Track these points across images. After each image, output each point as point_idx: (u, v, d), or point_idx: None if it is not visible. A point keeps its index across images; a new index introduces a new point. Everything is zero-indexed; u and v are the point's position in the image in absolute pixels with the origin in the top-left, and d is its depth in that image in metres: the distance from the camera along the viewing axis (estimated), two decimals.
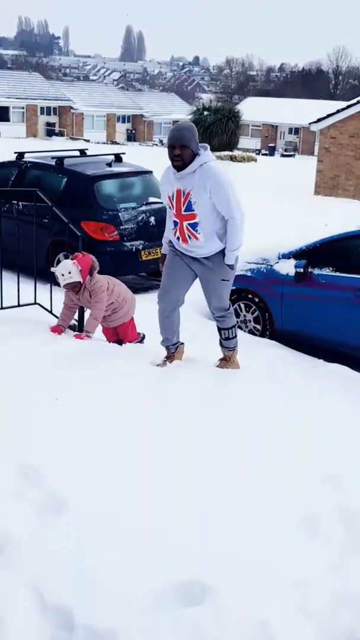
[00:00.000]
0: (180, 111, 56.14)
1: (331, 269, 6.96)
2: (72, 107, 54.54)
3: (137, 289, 9.54)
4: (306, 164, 31.50)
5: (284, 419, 4.55)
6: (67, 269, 5.84)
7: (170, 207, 5.20)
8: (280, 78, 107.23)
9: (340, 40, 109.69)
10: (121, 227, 9.05)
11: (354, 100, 23.16)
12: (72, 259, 5.92)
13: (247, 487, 3.54)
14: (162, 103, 63.43)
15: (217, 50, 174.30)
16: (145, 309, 7.92)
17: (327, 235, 7.34)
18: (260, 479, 3.63)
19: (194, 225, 5.08)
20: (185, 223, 5.10)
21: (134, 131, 58.46)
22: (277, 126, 56.74)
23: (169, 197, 5.15)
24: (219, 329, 5.63)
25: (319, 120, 23.62)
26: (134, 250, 9.09)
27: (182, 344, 5.71)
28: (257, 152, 47.48)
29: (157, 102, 63.65)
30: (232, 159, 34.76)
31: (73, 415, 4.17)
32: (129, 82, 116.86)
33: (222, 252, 5.21)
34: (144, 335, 6.54)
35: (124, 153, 10.58)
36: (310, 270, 7.01)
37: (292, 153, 50.85)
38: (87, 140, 45.39)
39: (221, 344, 5.68)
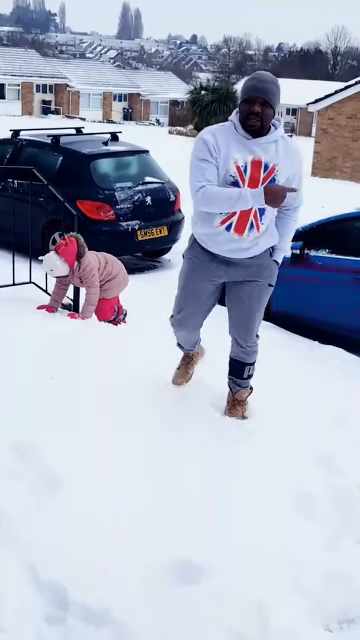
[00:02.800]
0: (178, 90, 55.78)
1: (328, 250, 6.94)
2: (68, 85, 54.11)
3: (132, 269, 9.52)
4: (303, 145, 31.20)
5: (280, 401, 4.56)
6: (52, 265, 5.80)
7: (229, 183, 3.70)
8: (278, 58, 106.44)
9: (339, 20, 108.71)
10: (117, 207, 8.99)
11: (353, 81, 23.03)
12: (55, 251, 5.85)
13: (243, 467, 3.55)
14: (159, 82, 62.95)
15: (215, 29, 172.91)
16: (139, 288, 7.92)
17: (323, 217, 7.31)
18: (256, 460, 3.63)
19: (262, 212, 3.78)
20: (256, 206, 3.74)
21: (130, 110, 58.04)
22: None
23: (238, 168, 3.67)
24: (240, 365, 4.18)
25: (316, 101, 23.50)
26: (129, 230, 9.05)
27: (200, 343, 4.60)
28: None
29: (154, 80, 63.15)
30: None
31: (68, 394, 4.16)
32: (126, 60, 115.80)
33: (268, 251, 4.00)
34: (125, 312, 6.50)
35: (120, 132, 10.51)
36: (306, 251, 6.99)
37: (290, 134, 50.48)
38: (83, 119, 45.04)
39: (235, 384, 4.24)
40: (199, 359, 4.65)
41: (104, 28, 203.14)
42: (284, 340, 6.92)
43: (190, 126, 37.81)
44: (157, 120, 54.66)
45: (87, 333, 5.42)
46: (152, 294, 7.70)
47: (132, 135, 15.94)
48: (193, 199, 3.75)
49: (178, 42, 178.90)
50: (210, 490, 3.37)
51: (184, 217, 9.60)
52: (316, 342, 6.81)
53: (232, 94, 37.04)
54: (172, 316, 4.26)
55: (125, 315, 6.51)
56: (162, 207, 9.44)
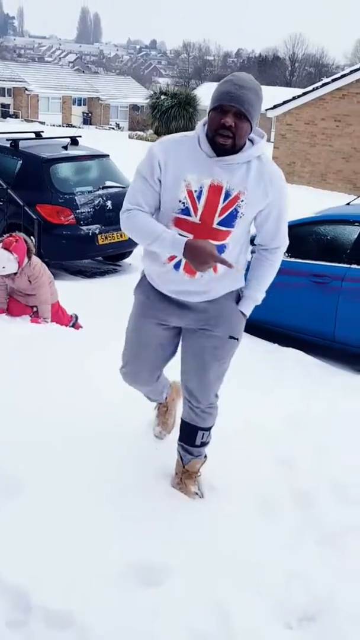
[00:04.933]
0: (137, 95, 55.88)
1: (287, 254, 7.00)
2: (26, 89, 53.81)
3: (93, 273, 9.53)
4: None
5: (240, 403, 4.59)
6: (5, 261, 5.73)
7: (177, 210, 2.94)
8: (237, 63, 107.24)
9: (296, 27, 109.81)
10: (77, 211, 8.99)
11: (310, 88, 23.34)
12: (4, 246, 5.78)
13: (204, 470, 3.57)
14: (119, 86, 62.94)
15: (174, 34, 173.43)
16: (101, 292, 7.92)
17: None
18: (217, 463, 3.66)
19: (220, 248, 2.97)
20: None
21: (90, 114, 57.93)
22: None
23: (190, 193, 2.90)
24: (192, 429, 3.41)
25: (275, 106, 23.74)
26: (90, 234, 9.05)
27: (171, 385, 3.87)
28: None
29: (114, 85, 63.14)
30: None
31: (28, 397, 4.14)
32: (85, 64, 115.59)
33: (233, 295, 3.21)
34: (76, 317, 6.48)
35: (80, 136, 10.50)
36: None
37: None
38: (43, 123, 44.84)
39: (186, 452, 3.47)
40: (178, 398, 3.88)
41: (63, 32, 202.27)
42: (243, 342, 6.93)
43: (150, 131, 37.91)
44: (117, 125, 54.66)
45: (48, 338, 5.40)
46: (113, 298, 7.71)
47: (92, 139, 15.88)
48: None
49: (137, 46, 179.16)
50: (171, 492, 3.40)
51: None
52: (276, 344, 6.88)
53: (191, 98, 37.28)
54: (120, 367, 3.46)
55: (76, 319, 6.47)
56: None
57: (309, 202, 16.11)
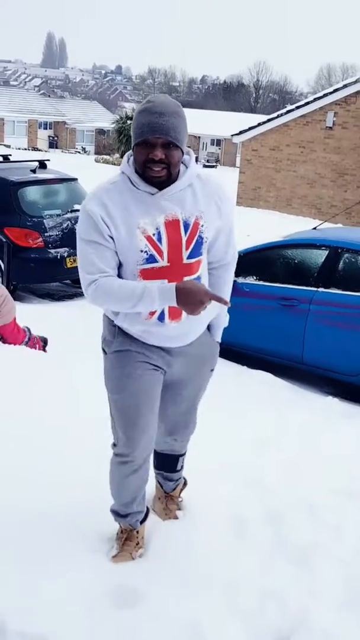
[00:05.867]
0: (104, 119, 56.16)
1: (255, 277, 7.11)
2: None
3: (61, 297, 9.52)
4: (228, 175, 31.95)
5: (210, 425, 4.62)
6: None
7: (142, 261, 2.68)
8: (202, 90, 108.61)
9: (261, 55, 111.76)
10: (46, 234, 9.01)
11: (274, 114, 23.71)
12: None
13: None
14: (85, 111, 63.28)
15: (140, 60, 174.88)
16: (69, 315, 7.91)
17: (250, 245, 7.49)
18: (189, 484, 3.67)
19: (196, 280, 2.77)
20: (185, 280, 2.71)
21: (56, 138, 58.06)
22: (199, 137, 57.34)
23: (149, 238, 2.65)
24: (172, 458, 3.34)
25: (240, 132, 24.06)
26: (58, 257, 9.06)
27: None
28: None
29: (80, 109, 63.46)
30: None
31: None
32: (51, 88, 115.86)
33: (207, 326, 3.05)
34: (45, 340, 6.41)
35: (48, 160, 10.54)
36: (234, 279, 7.12)
37: (214, 164, 51.49)
38: (8, 146, 44.82)
39: (166, 479, 3.41)
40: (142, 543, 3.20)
41: (28, 56, 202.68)
42: None
43: (117, 155, 38.12)
44: (83, 149, 54.85)
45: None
46: (81, 321, 7.71)
47: (59, 163, 15.93)
48: (85, 296, 2.74)
49: (103, 71, 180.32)
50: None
51: None
52: (244, 366, 6.93)
53: None
54: (113, 445, 3.00)
55: (45, 343, 6.42)
56: None
57: (275, 226, 16.33)
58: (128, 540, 3.09)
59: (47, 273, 9.07)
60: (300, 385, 6.67)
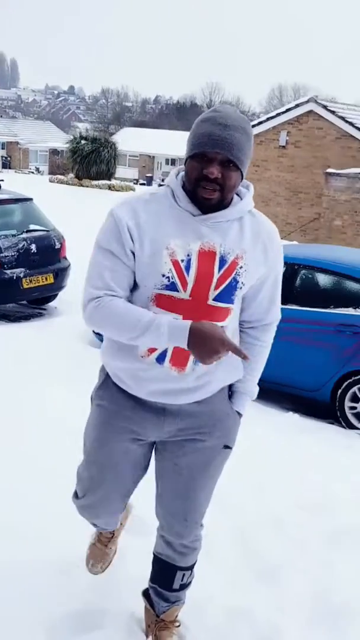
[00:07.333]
0: (57, 139, 56.19)
1: None
2: None
3: (18, 318, 9.42)
4: None
5: None
6: None
7: (160, 286, 2.23)
8: (156, 110, 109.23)
9: (213, 76, 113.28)
10: (1, 255, 8.91)
11: None
12: None
13: (139, 508, 3.55)
14: (38, 131, 63.10)
15: (93, 81, 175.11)
16: (26, 336, 7.84)
17: None
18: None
19: None
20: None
21: (9, 158, 57.74)
22: (154, 156, 57.63)
23: (176, 263, 2.21)
24: (169, 569, 2.66)
25: None
26: (14, 277, 8.97)
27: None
28: (135, 181, 48.04)
29: (33, 129, 63.24)
30: (111, 188, 35.15)
31: None
32: (3, 109, 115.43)
33: (225, 390, 2.50)
34: None
35: (2, 180, 10.47)
36: None
37: None
38: None
39: (160, 597, 2.70)
40: (125, 520, 3.09)
41: None
42: None
43: (71, 174, 38.07)
44: (37, 169, 54.67)
45: None
46: (38, 342, 7.64)
47: (13, 183, 15.86)
48: (82, 312, 2.27)
49: (56, 92, 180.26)
50: None
51: (69, 265, 9.65)
52: None
53: (111, 143, 37.92)
54: (74, 495, 2.68)
55: None
56: (47, 254, 9.44)
57: None
58: (103, 538, 2.95)
59: (3, 294, 8.97)
60: (260, 401, 6.70)
